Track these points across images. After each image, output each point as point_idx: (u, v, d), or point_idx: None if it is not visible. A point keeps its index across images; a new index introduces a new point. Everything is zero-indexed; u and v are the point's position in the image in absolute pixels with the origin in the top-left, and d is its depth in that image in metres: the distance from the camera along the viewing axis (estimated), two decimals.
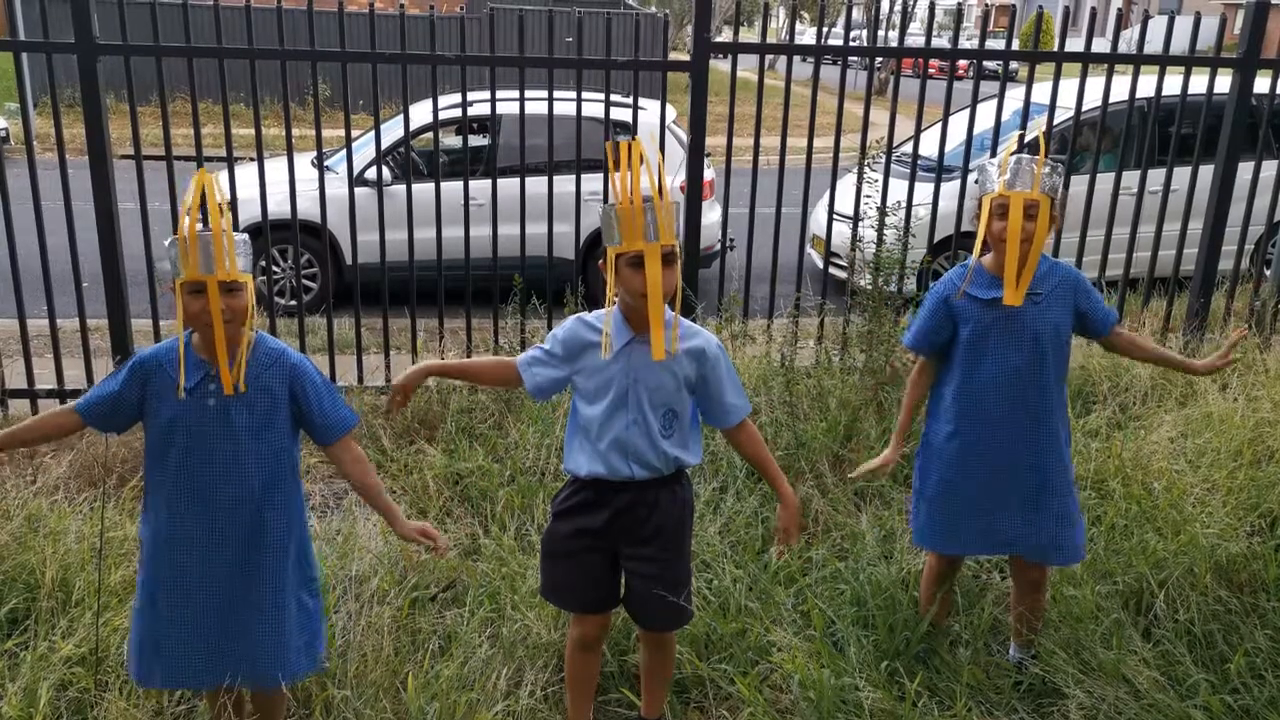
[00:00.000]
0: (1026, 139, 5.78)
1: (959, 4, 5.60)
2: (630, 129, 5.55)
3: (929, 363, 3.23)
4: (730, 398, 2.76)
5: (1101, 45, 9.05)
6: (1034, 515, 3.10)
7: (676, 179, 6.49)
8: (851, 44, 5.74)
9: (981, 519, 3.13)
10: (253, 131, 5.25)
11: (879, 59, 6.88)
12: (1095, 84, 5.89)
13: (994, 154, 5.52)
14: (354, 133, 5.76)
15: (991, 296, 3.01)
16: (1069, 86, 5.94)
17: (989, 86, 6.80)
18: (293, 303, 6.79)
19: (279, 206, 5.48)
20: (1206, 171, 5.89)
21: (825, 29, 6.38)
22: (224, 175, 5.30)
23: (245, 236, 2.50)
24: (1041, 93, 6.29)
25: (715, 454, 4.39)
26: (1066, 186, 5.72)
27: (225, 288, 2.40)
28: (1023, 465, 3.08)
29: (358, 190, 5.40)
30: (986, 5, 33.83)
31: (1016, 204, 2.91)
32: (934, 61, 6.44)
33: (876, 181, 5.63)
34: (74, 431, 2.64)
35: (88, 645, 3.04)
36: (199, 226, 2.41)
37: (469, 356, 5.51)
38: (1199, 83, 5.85)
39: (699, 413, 2.81)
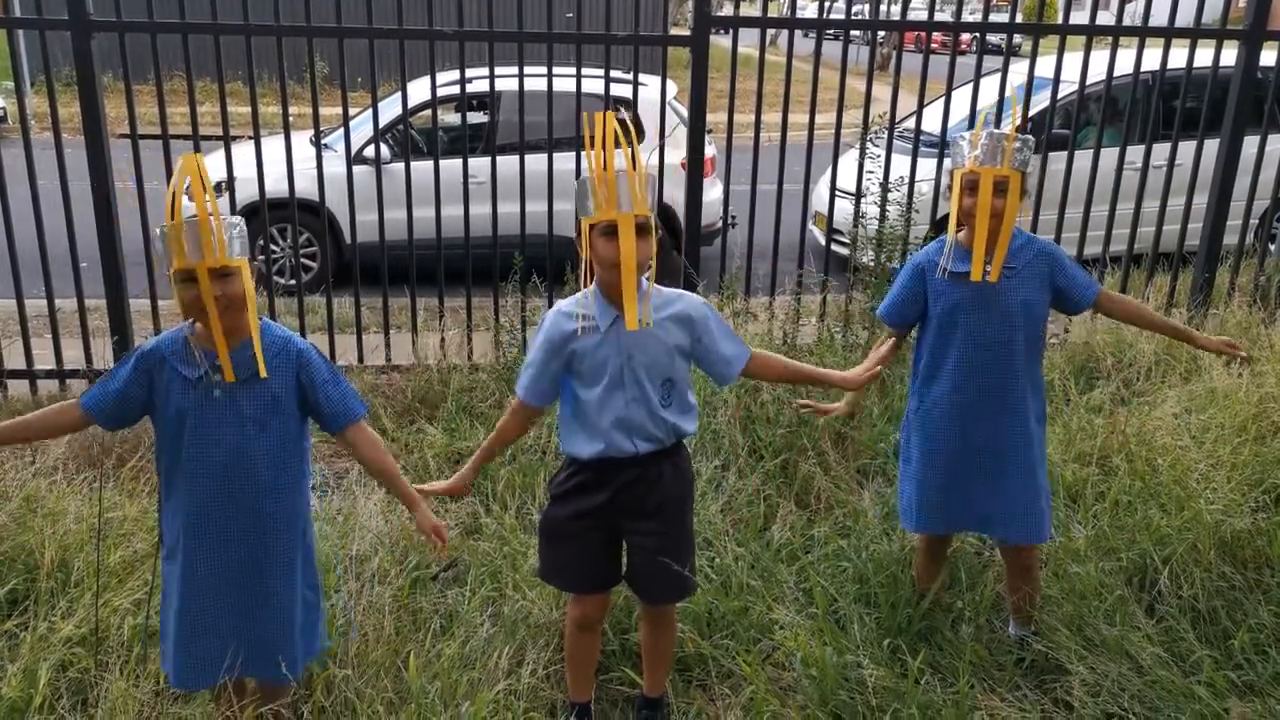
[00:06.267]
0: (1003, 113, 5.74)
1: None
2: (631, 105, 5.50)
3: (896, 339, 3.23)
4: (728, 349, 2.76)
5: (1106, 18, 8.97)
6: (997, 492, 3.10)
7: (679, 155, 6.44)
8: (853, 18, 5.69)
9: (954, 495, 3.14)
10: (250, 110, 5.21)
11: (881, 33, 6.81)
12: (1100, 57, 5.83)
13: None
14: (352, 110, 5.71)
15: (963, 271, 3.00)
16: (1073, 60, 5.88)
17: (992, 61, 6.74)
18: (292, 282, 6.76)
19: (277, 185, 5.45)
20: (1211, 146, 5.83)
21: (827, 3, 6.32)
22: (220, 154, 5.27)
23: (240, 219, 2.44)
24: (1045, 67, 6.23)
25: (717, 432, 4.37)
26: (1070, 162, 5.68)
27: (217, 273, 2.34)
28: (988, 441, 3.08)
29: (356, 169, 5.36)
30: None
31: (986, 179, 2.89)
32: (937, 36, 6.38)
33: (879, 157, 5.59)
34: (81, 428, 2.58)
35: (87, 626, 3.03)
36: (188, 210, 2.35)
37: (470, 336, 5.49)
38: (1204, 56, 5.79)
39: (706, 374, 2.82)
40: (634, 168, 2.53)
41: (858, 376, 2.97)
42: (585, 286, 2.69)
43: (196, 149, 5.05)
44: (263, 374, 2.44)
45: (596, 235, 2.56)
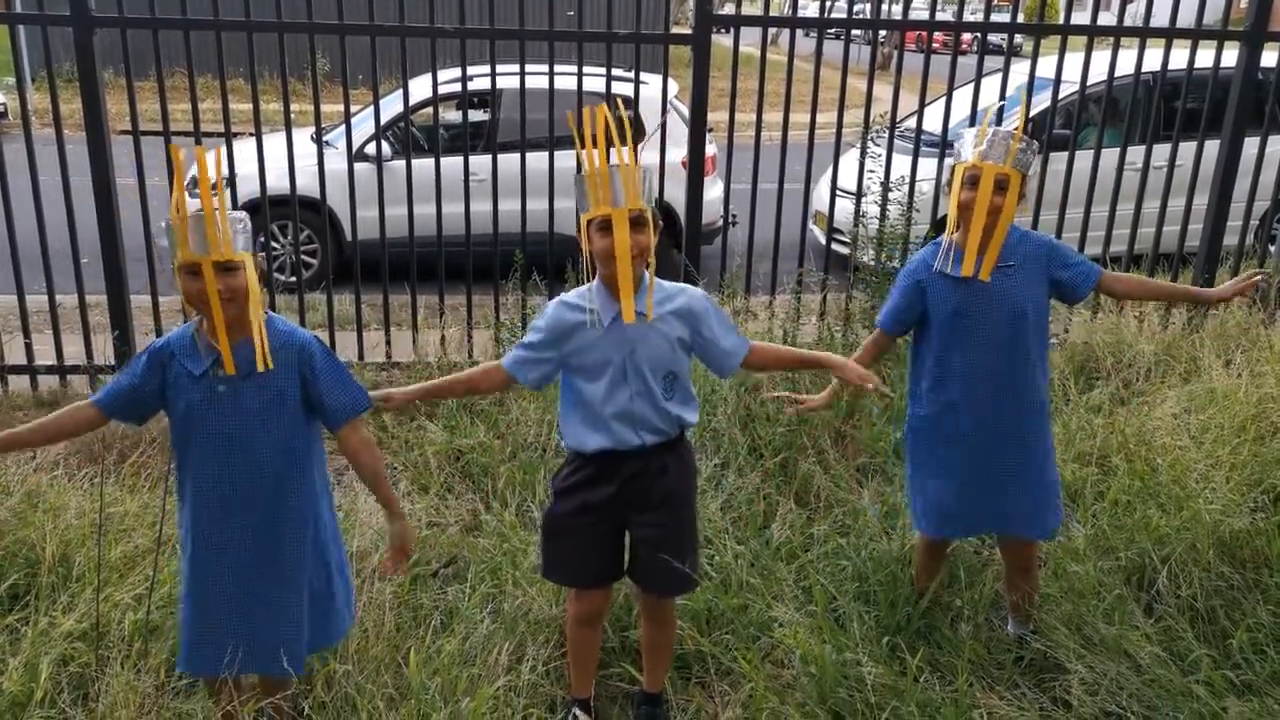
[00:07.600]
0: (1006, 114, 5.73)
1: None
2: (632, 103, 5.50)
3: (887, 339, 3.23)
4: (728, 343, 2.79)
5: (1108, 18, 8.98)
6: (1016, 489, 3.10)
7: (680, 154, 6.44)
8: (855, 18, 5.69)
9: (973, 500, 3.13)
10: (251, 106, 5.21)
11: (883, 33, 6.83)
12: (1101, 58, 5.84)
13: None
14: (353, 107, 5.72)
15: (958, 271, 2.99)
16: (1074, 61, 5.88)
17: (994, 61, 6.74)
18: (292, 279, 6.76)
19: (278, 182, 5.44)
20: (1212, 147, 5.84)
21: (829, 2, 6.33)
22: (222, 151, 5.26)
23: (244, 214, 2.46)
24: (1046, 67, 6.23)
25: (717, 431, 4.38)
26: (1071, 162, 5.68)
27: (222, 267, 2.37)
28: (1008, 440, 3.07)
29: (357, 166, 5.35)
30: None
31: (988, 174, 2.89)
32: (938, 35, 6.39)
33: (879, 157, 5.59)
34: (97, 425, 2.58)
35: (89, 620, 3.03)
36: (193, 205, 2.37)
37: (470, 334, 5.50)
38: (1205, 57, 5.79)
39: (706, 366, 2.85)
40: (602, 160, 2.55)
41: (855, 368, 2.84)
42: (588, 281, 2.72)
43: (198, 145, 5.05)
44: (266, 367, 2.45)
45: (594, 230, 2.60)
